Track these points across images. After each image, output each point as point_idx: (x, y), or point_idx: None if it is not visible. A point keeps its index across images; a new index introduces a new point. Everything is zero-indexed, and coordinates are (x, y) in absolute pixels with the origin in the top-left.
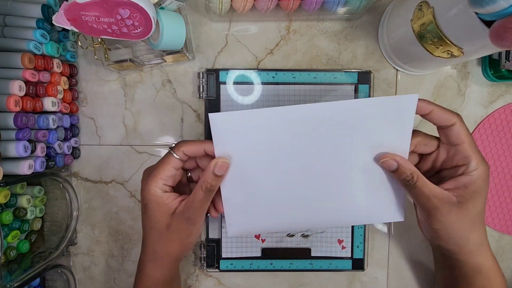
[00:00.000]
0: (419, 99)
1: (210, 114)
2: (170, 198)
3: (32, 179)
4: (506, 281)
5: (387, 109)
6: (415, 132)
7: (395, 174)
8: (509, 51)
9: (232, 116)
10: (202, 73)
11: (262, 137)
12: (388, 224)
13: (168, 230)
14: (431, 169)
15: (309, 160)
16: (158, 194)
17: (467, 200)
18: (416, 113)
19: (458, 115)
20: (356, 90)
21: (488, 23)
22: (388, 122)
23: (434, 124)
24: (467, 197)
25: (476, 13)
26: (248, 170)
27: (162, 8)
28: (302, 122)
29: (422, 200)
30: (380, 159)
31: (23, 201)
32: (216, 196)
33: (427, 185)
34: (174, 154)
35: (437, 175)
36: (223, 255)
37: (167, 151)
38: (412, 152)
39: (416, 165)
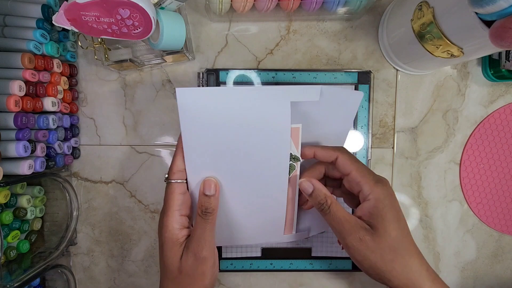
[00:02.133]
0: (302, 147)
1: (177, 89)
2: (182, 233)
3: (32, 179)
4: None
5: (336, 100)
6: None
7: (310, 198)
8: (509, 51)
9: (200, 92)
10: (202, 73)
11: (227, 116)
12: None
13: (180, 274)
14: (350, 199)
15: (260, 145)
16: (174, 231)
17: (377, 226)
18: (302, 158)
19: (340, 149)
20: (356, 90)
21: (488, 23)
22: (334, 113)
23: (324, 161)
24: (375, 223)
25: (476, 13)
26: (212, 149)
27: (162, 8)
28: (262, 103)
29: (337, 226)
30: (298, 182)
31: (23, 201)
32: None
33: (340, 211)
34: (173, 181)
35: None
36: (223, 255)
37: (165, 184)
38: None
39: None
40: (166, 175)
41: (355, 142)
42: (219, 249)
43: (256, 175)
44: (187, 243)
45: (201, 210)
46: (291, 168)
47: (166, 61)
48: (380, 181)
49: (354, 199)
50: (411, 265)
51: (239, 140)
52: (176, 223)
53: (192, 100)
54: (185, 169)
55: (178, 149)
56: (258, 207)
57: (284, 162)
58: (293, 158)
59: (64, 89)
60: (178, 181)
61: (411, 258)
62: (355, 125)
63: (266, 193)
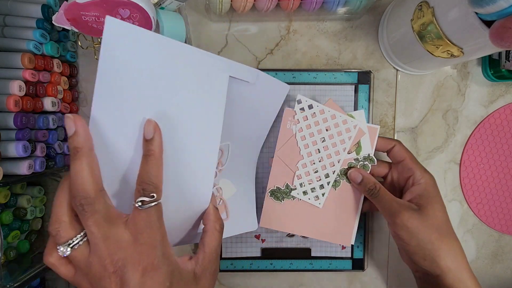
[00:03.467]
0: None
1: (107, 17)
2: (183, 265)
3: (32, 179)
4: None
5: (268, 88)
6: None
7: (359, 185)
8: (509, 51)
9: (135, 30)
10: None
11: (159, 68)
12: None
13: None
14: (392, 191)
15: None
16: (175, 260)
17: (425, 206)
18: (378, 149)
19: (397, 140)
20: (356, 90)
21: (488, 23)
22: (263, 102)
23: (381, 150)
24: (424, 203)
25: (476, 13)
26: (129, 101)
27: (162, 8)
28: (201, 67)
29: (386, 206)
30: (346, 173)
31: (23, 201)
32: None
33: (388, 194)
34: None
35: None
36: (223, 255)
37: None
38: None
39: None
40: (153, 194)
41: None
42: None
43: (180, 144)
44: (203, 265)
45: (219, 224)
46: (365, 168)
47: None
48: (427, 171)
49: (396, 192)
50: (455, 248)
51: (165, 101)
52: (173, 253)
53: (123, 36)
54: None
55: (156, 156)
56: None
57: (214, 144)
58: (369, 159)
59: (64, 89)
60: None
61: (455, 241)
62: (377, 135)
63: (187, 187)
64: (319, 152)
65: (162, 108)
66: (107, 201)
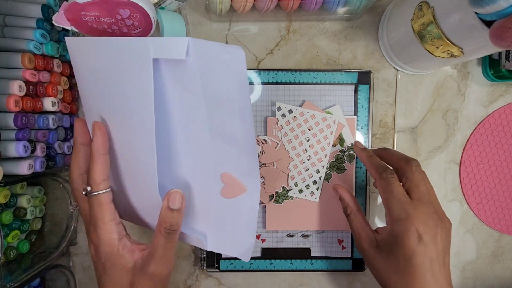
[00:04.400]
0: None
1: (66, 38)
2: (126, 248)
3: (32, 179)
4: None
5: (216, 60)
6: None
7: (340, 201)
8: (509, 51)
9: (87, 41)
10: None
11: (102, 67)
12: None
13: None
14: None
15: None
16: (114, 243)
17: (385, 249)
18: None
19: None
20: (356, 90)
21: (488, 23)
22: (222, 77)
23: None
24: (386, 247)
25: (476, 13)
26: (96, 104)
27: (162, 8)
28: (125, 56)
29: (351, 230)
30: (335, 165)
31: (23, 201)
32: None
33: (356, 221)
34: (100, 192)
35: None
36: (223, 255)
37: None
38: None
39: None
40: (88, 188)
41: None
42: None
43: (125, 152)
44: (143, 262)
45: (164, 228)
46: (351, 157)
47: None
48: (403, 217)
49: None
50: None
51: (110, 103)
52: (114, 233)
53: (80, 48)
54: (108, 177)
55: (95, 154)
56: (131, 185)
57: (149, 140)
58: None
59: (64, 89)
60: (106, 191)
61: (421, 278)
62: (355, 125)
63: (137, 180)
64: (306, 151)
65: (107, 105)
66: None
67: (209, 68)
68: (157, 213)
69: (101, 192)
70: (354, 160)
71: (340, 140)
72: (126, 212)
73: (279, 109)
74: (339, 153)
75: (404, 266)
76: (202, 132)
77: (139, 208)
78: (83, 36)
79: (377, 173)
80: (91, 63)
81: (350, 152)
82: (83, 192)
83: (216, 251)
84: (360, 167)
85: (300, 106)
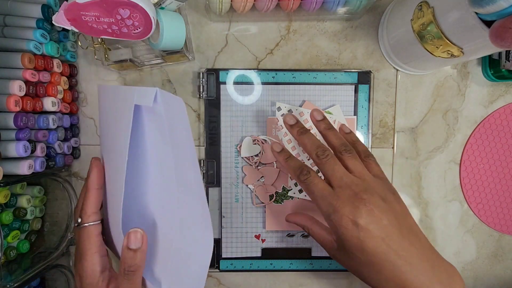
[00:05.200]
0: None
1: (98, 85)
2: (105, 281)
3: (32, 179)
4: None
5: (174, 108)
6: None
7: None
8: (509, 51)
9: (119, 89)
10: (202, 73)
11: (106, 114)
12: None
13: None
14: None
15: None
16: (96, 275)
17: (341, 248)
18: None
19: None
20: (356, 90)
21: (488, 23)
22: (178, 125)
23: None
24: (340, 246)
25: (476, 13)
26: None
27: (162, 8)
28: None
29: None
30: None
31: (23, 201)
32: None
33: (315, 234)
34: (89, 224)
35: None
36: (223, 255)
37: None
38: None
39: None
40: (79, 219)
41: None
42: (219, 249)
43: (108, 189)
44: None
45: (124, 268)
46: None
47: (166, 61)
48: (332, 212)
49: None
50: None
51: (105, 139)
52: (98, 266)
53: (106, 95)
54: (98, 210)
55: (89, 187)
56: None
57: (120, 176)
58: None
59: (64, 89)
60: (95, 223)
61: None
62: (355, 125)
63: (112, 216)
64: None
65: (104, 144)
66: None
67: (171, 115)
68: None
69: (91, 224)
70: None
71: None
72: (110, 243)
73: (279, 109)
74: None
75: (364, 258)
76: (170, 174)
77: (115, 242)
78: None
79: (296, 176)
80: (105, 109)
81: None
82: (75, 224)
83: None
84: None
85: (300, 106)
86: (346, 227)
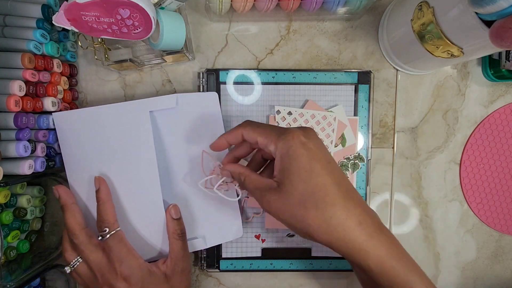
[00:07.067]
0: (214, 142)
1: (53, 114)
2: (153, 266)
3: (32, 179)
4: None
5: (196, 105)
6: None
7: (234, 181)
8: (509, 51)
9: (74, 114)
10: (202, 73)
11: (100, 134)
12: (388, 224)
13: None
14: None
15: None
16: (144, 265)
17: (283, 181)
18: (216, 150)
19: (243, 124)
20: (356, 90)
21: (488, 23)
22: (201, 118)
23: (235, 144)
24: (282, 178)
25: (476, 13)
26: (93, 168)
27: (162, 8)
28: (125, 117)
29: (253, 195)
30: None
31: (23, 201)
32: None
33: (252, 181)
34: (116, 230)
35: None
36: (223, 255)
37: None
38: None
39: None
40: (106, 229)
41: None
42: (219, 249)
43: (131, 192)
44: (172, 266)
45: (177, 234)
46: (355, 166)
47: (166, 61)
48: (283, 133)
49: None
50: (331, 218)
51: (112, 158)
52: (141, 259)
53: (69, 122)
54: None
55: (105, 201)
56: (138, 223)
57: (153, 172)
58: (359, 158)
59: (64, 89)
60: (120, 228)
61: (331, 210)
62: (357, 126)
63: (144, 211)
64: None
65: (107, 160)
66: (89, 234)
67: (190, 111)
68: (160, 228)
69: (118, 229)
70: (357, 172)
71: (342, 140)
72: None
73: (278, 112)
74: (344, 160)
75: (304, 187)
76: (183, 159)
77: (143, 232)
78: (67, 111)
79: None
80: (80, 132)
81: (355, 161)
82: (99, 238)
83: (215, 244)
84: (363, 180)
85: (303, 105)
86: (297, 145)
